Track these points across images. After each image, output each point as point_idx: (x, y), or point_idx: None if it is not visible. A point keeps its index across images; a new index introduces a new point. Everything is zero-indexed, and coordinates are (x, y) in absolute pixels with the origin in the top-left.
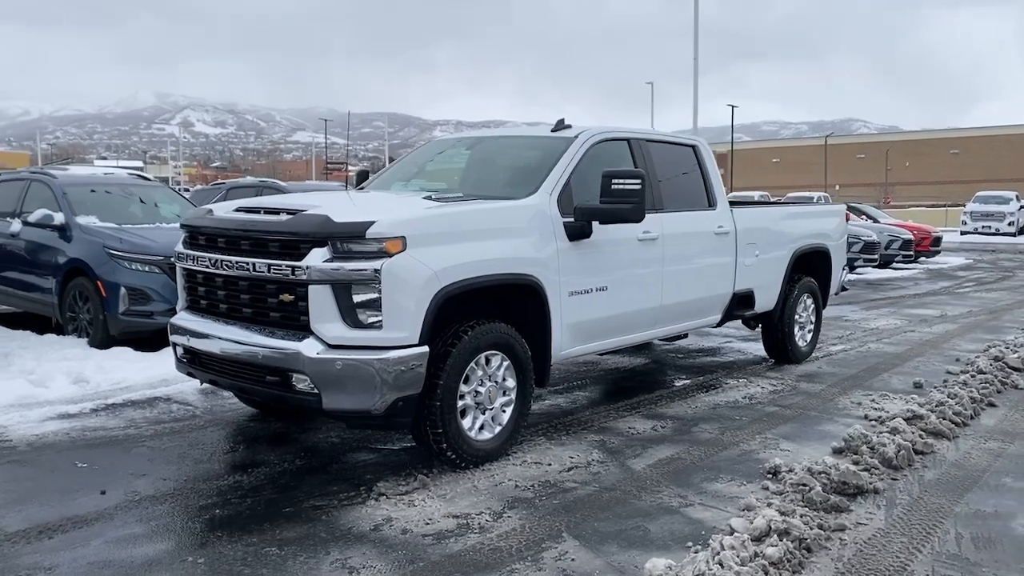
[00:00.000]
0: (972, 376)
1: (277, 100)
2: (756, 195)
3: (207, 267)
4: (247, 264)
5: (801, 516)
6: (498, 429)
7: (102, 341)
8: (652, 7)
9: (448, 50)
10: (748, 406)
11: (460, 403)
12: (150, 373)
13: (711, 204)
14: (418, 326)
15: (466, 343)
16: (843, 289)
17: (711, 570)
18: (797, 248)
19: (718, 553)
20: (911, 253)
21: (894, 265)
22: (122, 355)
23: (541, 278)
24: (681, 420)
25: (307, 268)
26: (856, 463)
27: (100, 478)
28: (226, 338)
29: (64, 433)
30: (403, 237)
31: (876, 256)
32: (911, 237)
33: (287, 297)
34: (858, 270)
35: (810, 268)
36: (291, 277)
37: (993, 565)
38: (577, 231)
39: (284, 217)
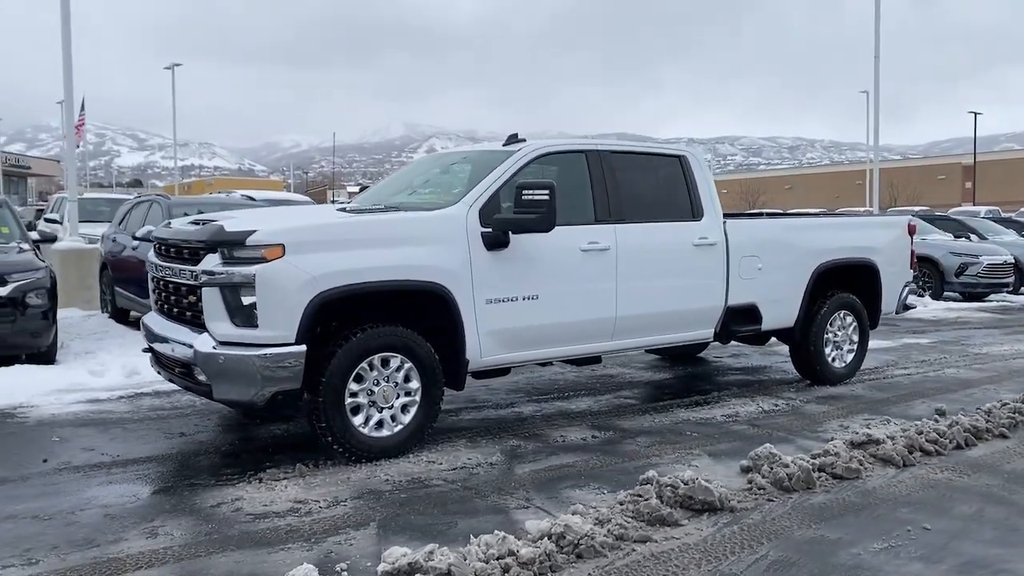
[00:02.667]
0: (1003, 406)
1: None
2: (982, 211)
3: (154, 273)
4: (173, 269)
5: (616, 524)
6: (398, 428)
7: None
8: (893, 13)
9: (677, 69)
10: (716, 424)
11: (351, 401)
12: None
13: (696, 215)
14: (294, 326)
15: (353, 344)
16: (906, 308)
17: (447, 560)
18: (824, 262)
19: (468, 547)
20: None
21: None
22: None
23: (448, 285)
24: (624, 432)
25: (201, 272)
26: (750, 482)
27: (57, 449)
28: (167, 336)
29: (75, 414)
30: (282, 244)
31: (1008, 280)
32: None
33: (192, 298)
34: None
35: (850, 284)
36: (191, 281)
37: None
38: (494, 241)
39: (195, 227)
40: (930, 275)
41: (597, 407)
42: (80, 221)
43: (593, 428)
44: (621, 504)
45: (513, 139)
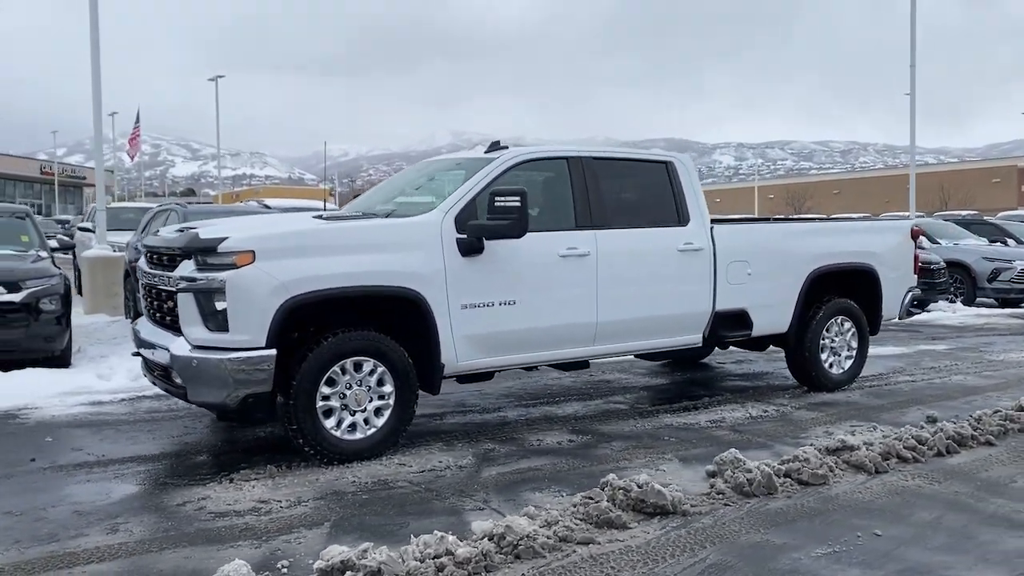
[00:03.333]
0: (995, 414)
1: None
2: None
3: (143, 280)
4: (157, 276)
5: (563, 526)
6: (371, 431)
7: None
8: (949, 14)
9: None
10: (698, 429)
11: (323, 404)
12: None
13: (681, 221)
14: (263, 331)
15: (324, 348)
16: (909, 314)
17: (378, 558)
18: (817, 267)
19: (406, 547)
20: None
21: None
22: None
23: (422, 291)
24: (602, 436)
25: (177, 278)
26: (712, 486)
27: (48, 449)
28: (152, 342)
29: (74, 416)
30: (252, 251)
31: None
32: None
33: (171, 303)
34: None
35: (848, 289)
36: (168, 286)
37: None
38: (469, 247)
39: (175, 235)
40: (962, 281)
41: (584, 412)
42: (111, 230)
43: (572, 432)
44: (574, 507)
45: (495, 146)
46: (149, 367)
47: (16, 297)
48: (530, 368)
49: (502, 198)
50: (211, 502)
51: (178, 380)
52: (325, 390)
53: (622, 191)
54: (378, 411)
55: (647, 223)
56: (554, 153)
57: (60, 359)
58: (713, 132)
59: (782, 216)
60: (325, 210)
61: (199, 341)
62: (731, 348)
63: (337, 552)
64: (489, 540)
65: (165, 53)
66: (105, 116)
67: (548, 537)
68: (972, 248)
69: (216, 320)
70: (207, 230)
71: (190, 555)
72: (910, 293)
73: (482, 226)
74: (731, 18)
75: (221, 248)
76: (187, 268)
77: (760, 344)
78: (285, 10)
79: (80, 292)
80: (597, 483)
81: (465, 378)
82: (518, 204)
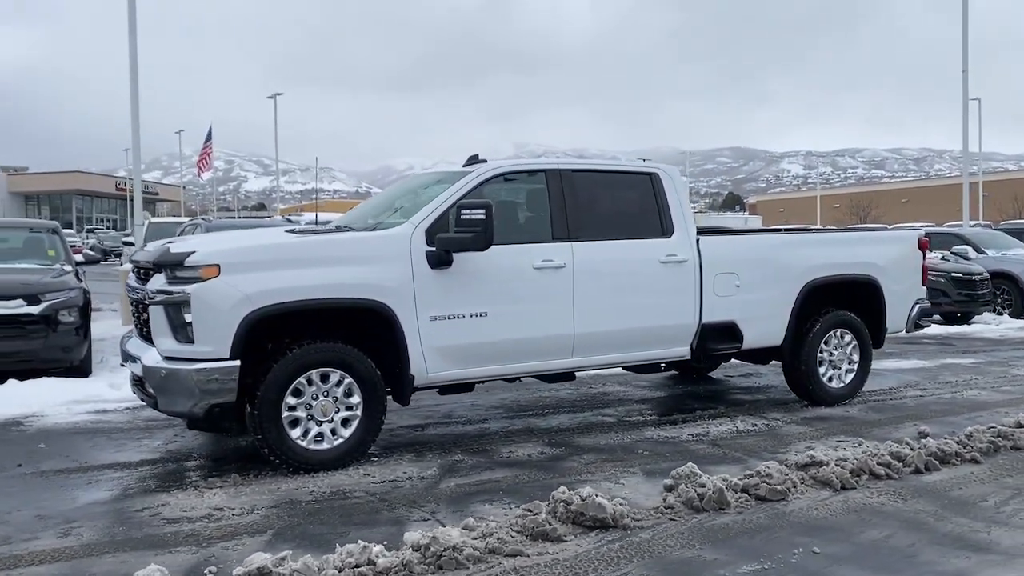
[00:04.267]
0: (988, 430)
1: (622, 142)
2: None
3: (129, 294)
4: (136, 289)
5: (496, 537)
6: (338, 441)
7: None
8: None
9: (791, 80)
10: (677, 442)
11: (289, 414)
12: None
13: (665, 232)
14: (227, 342)
15: (289, 360)
16: (917, 327)
17: (292, 566)
18: (813, 279)
19: (328, 556)
20: None
21: None
22: None
23: (389, 303)
24: (576, 449)
25: (148, 291)
26: (664, 500)
27: (38, 455)
28: (134, 354)
29: (74, 424)
30: (217, 265)
31: None
32: None
33: (145, 316)
34: None
35: (849, 301)
36: (143, 299)
37: None
38: (438, 259)
39: (153, 249)
40: (1009, 292)
41: (568, 424)
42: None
43: (548, 445)
44: (514, 519)
45: (473, 160)
46: (133, 378)
47: (35, 309)
48: (512, 380)
49: (468, 211)
50: (168, 508)
51: (150, 390)
52: (291, 400)
53: (603, 203)
54: (346, 422)
55: (628, 235)
56: (531, 166)
57: (80, 369)
58: (781, 141)
59: (792, 227)
60: (320, 223)
61: (168, 352)
62: (740, 362)
63: (259, 559)
64: (414, 550)
65: (239, 70)
66: (185, 134)
67: (476, 549)
68: (1020, 258)
69: (184, 332)
70: (178, 245)
71: (127, 559)
72: (918, 305)
73: (449, 238)
74: (798, 24)
75: (188, 262)
76: (158, 281)
77: (761, 357)
78: (352, 27)
79: None
80: (542, 495)
81: (446, 389)
82: (483, 217)
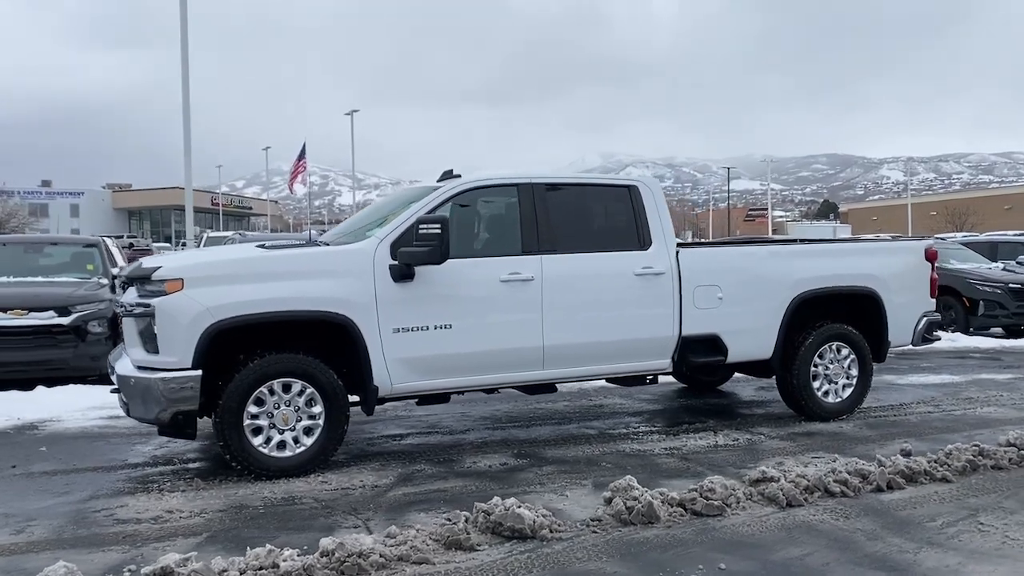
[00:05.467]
0: (971, 447)
1: (714, 150)
2: None
3: (117, 308)
4: (118, 303)
5: (409, 545)
6: (300, 449)
7: None
8: None
9: (889, 83)
10: (647, 456)
11: (252, 422)
12: None
13: (642, 245)
14: (190, 353)
15: (250, 370)
16: (925, 341)
17: (192, 567)
18: (803, 291)
19: (234, 558)
20: None
21: None
22: None
23: (350, 315)
24: (540, 461)
25: (122, 303)
26: (596, 513)
27: (34, 457)
28: (114, 364)
29: (83, 429)
30: (181, 279)
31: None
32: None
33: (122, 327)
34: None
35: (846, 314)
36: (120, 311)
37: None
38: (400, 273)
39: (132, 265)
40: None
41: (549, 435)
42: None
43: (515, 456)
44: (436, 527)
45: (448, 175)
46: (112, 387)
47: (65, 320)
48: (490, 391)
49: (425, 226)
50: (125, 509)
51: (123, 397)
52: (253, 409)
53: (578, 216)
54: (308, 430)
55: (603, 247)
56: (503, 181)
57: (109, 378)
58: (880, 146)
59: (781, 239)
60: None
61: (138, 362)
62: (750, 376)
63: (167, 559)
64: (322, 555)
65: (338, 88)
66: (284, 151)
67: (383, 556)
68: None
69: (152, 342)
70: (150, 260)
71: (62, 557)
72: (925, 319)
73: (408, 252)
74: (895, 24)
75: (154, 276)
76: (131, 295)
77: (760, 370)
78: (440, 41)
79: None
80: (467, 505)
81: (423, 400)
82: (438, 231)
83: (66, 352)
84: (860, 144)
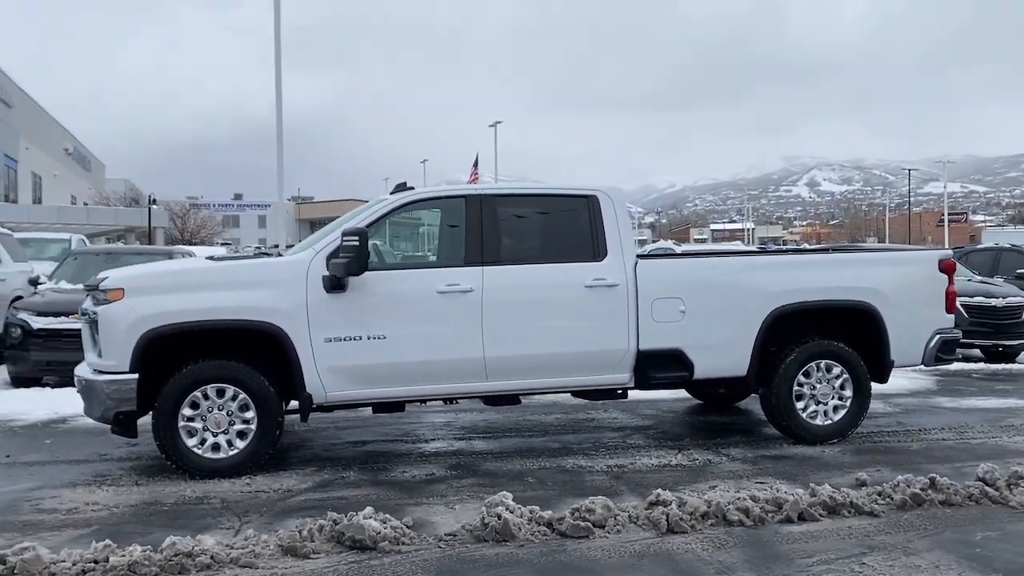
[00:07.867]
0: (922, 481)
1: (907, 152)
2: None
3: None
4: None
5: (248, 550)
6: (233, 451)
7: None
8: None
9: None
10: (581, 473)
11: (187, 424)
12: None
13: (597, 256)
14: (127, 357)
15: (183, 375)
16: (939, 361)
17: (21, 557)
18: (781, 305)
19: (75, 550)
20: None
21: None
22: None
23: (281, 324)
24: (470, 473)
25: (80, 311)
26: (458, 527)
27: (36, 449)
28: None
29: (93, 426)
30: (122, 288)
31: None
32: None
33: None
34: None
35: (839, 330)
36: (80, 318)
37: None
38: (332, 284)
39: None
40: None
41: (507, 448)
42: None
43: (451, 467)
44: (284, 533)
45: (401, 187)
46: None
47: None
48: (450, 401)
49: (347, 238)
50: (55, 500)
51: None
52: (188, 412)
53: (528, 228)
54: (241, 434)
55: (554, 259)
56: (449, 193)
57: None
58: None
59: (759, 248)
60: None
61: (92, 365)
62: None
63: (17, 547)
64: (155, 552)
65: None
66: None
67: (213, 558)
68: None
69: (98, 347)
70: (108, 271)
71: None
72: (939, 336)
73: (334, 264)
74: None
75: (101, 286)
76: (87, 303)
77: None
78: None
79: None
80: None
81: (378, 408)
82: (356, 244)
83: None
84: None
